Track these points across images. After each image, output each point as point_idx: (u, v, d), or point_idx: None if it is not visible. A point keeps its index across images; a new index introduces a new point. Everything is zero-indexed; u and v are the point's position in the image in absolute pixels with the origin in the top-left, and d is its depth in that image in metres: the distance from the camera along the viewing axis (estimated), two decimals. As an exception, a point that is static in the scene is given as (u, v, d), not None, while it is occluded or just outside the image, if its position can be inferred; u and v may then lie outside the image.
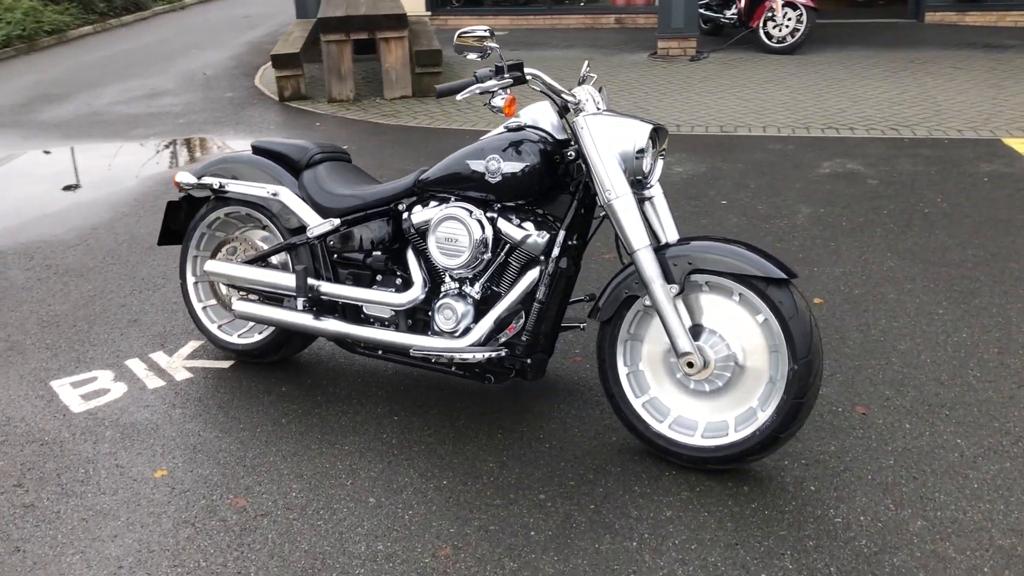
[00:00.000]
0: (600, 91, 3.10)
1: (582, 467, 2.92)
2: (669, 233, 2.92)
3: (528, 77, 2.83)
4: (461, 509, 2.73)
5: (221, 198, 3.48)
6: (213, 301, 3.64)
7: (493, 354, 2.90)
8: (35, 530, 2.68)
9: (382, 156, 6.60)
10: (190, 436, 3.14)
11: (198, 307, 3.65)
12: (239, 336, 3.59)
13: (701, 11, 11.48)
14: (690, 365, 2.73)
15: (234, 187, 3.38)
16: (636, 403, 2.92)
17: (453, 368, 3.08)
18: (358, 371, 3.56)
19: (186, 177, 3.46)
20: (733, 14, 10.98)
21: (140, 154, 7.01)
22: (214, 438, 3.13)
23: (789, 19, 10.26)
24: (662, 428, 2.88)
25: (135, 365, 3.64)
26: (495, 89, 2.77)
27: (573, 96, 2.90)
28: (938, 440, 2.99)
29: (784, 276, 2.66)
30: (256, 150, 3.46)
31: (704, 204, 5.38)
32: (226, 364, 3.62)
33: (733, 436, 2.78)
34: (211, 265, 3.44)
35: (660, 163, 2.93)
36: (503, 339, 2.96)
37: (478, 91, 2.78)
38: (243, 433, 3.15)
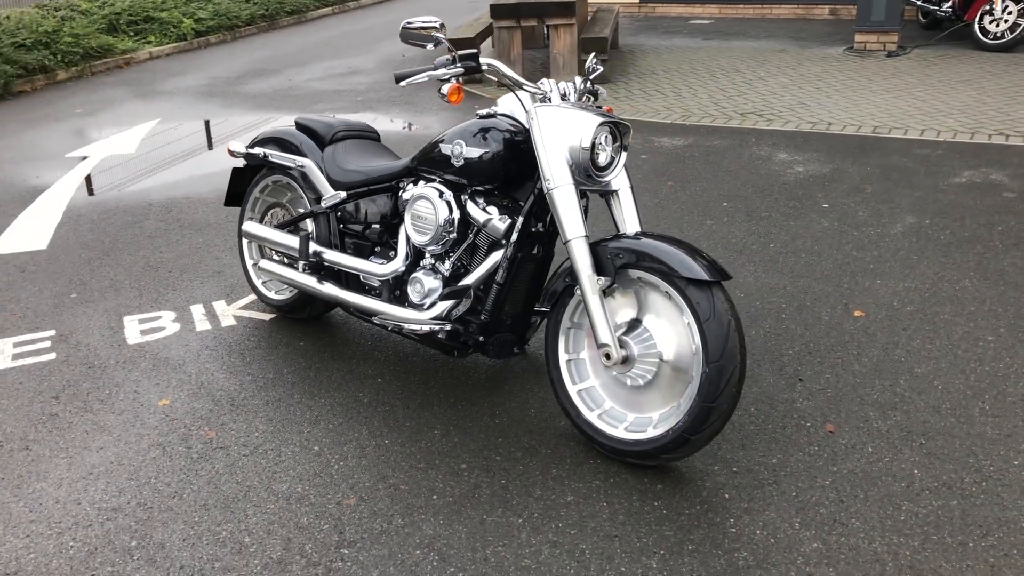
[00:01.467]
0: (592, 84, 3.17)
1: (515, 445, 3.02)
2: (630, 227, 2.95)
3: (484, 67, 2.94)
4: (385, 467, 2.93)
5: (270, 167, 3.87)
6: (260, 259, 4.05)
7: (437, 327, 3.07)
8: (48, 434, 3.19)
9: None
10: (204, 374, 3.55)
11: (249, 264, 4.07)
12: (276, 293, 3.98)
13: (918, 3, 10.70)
14: (607, 357, 2.76)
15: (274, 157, 3.75)
16: (572, 390, 2.98)
17: (416, 339, 3.28)
18: (372, 335, 3.83)
19: (238, 146, 3.88)
20: (949, 7, 10.14)
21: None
22: (222, 378, 3.52)
23: (1010, 13, 9.36)
24: (591, 417, 2.92)
25: (196, 310, 4.13)
26: (447, 77, 2.91)
27: (539, 88, 2.99)
28: (893, 468, 2.81)
29: (706, 278, 2.62)
30: (297, 125, 3.81)
31: (803, 206, 5.16)
32: (268, 317, 4.03)
33: (651, 433, 2.78)
34: (246, 226, 3.85)
35: (623, 157, 2.95)
36: (455, 315, 3.12)
37: (426, 78, 2.94)
38: (246, 377, 3.52)
